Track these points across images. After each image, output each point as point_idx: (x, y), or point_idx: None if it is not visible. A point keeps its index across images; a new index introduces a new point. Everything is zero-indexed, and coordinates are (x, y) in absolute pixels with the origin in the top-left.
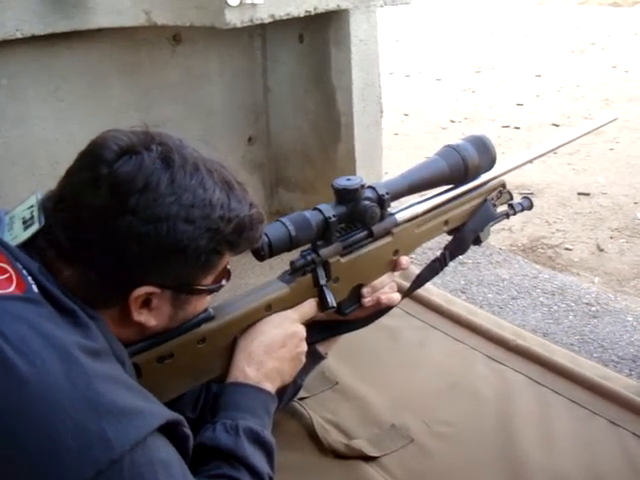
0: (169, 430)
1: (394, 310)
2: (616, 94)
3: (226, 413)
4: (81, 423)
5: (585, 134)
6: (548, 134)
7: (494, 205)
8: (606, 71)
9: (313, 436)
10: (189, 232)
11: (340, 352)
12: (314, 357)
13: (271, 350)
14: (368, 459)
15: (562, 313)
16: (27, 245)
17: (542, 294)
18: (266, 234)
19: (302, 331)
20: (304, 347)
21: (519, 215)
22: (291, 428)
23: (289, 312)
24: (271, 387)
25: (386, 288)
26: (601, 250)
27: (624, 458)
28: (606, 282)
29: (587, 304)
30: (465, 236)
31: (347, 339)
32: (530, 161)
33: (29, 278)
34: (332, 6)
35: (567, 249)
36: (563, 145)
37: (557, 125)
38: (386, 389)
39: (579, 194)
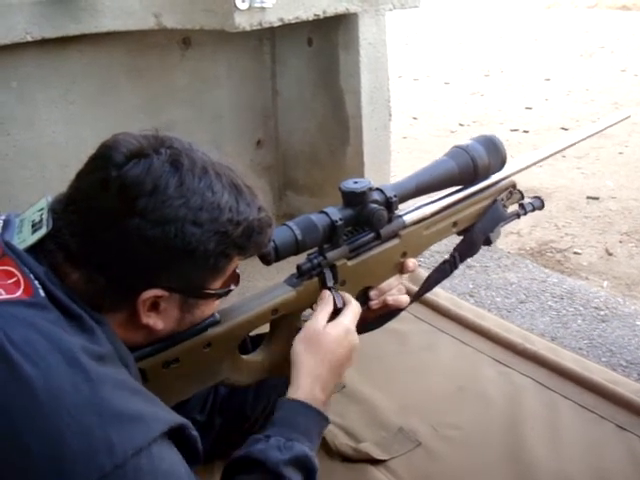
0: (175, 434)
1: (402, 314)
2: (625, 98)
3: (281, 430)
4: (86, 427)
5: (595, 133)
6: (556, 137)
7: (504, 206)
8: (615, 75)
9: (321, 439)
10: (197, 235)
11: None
12: None
13: (338, 370)
14: (376, 462)
15: (571, 317)
16: (35, 248)
17: (551, 298)
18: (272, 238)
19: (357, 339)
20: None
21: (528, 219)
22: None
23: (348, 319)
24: (327, 402)
25: (394, 290)
26: (610, 254)
27: (631, 462)
28: (615, 286)
29: (596, 308)
30: (475, 237)
31: None
32: (541, 161)
33: (36, 282)
34: (341, 10)
35: (576, 253)
36: (574, 144)
37: (566, 129)
38: (394, 392)
39: (588, 198)
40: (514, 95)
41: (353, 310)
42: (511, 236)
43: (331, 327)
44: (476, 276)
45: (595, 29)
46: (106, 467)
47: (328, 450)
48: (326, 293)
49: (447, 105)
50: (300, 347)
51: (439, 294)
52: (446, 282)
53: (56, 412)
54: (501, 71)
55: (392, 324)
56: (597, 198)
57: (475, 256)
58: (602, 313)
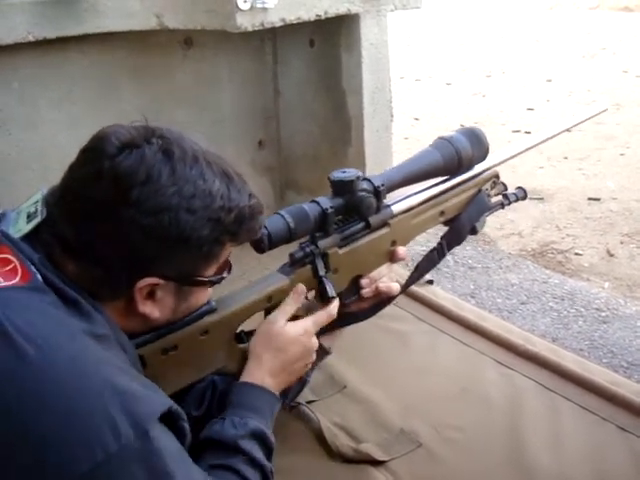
0: (170, 420)
1: (403, 314)
2: (627, 99)
3: (236, 411)
4: (91, 408)
5: (576, 124)
6: (558, 138)
7: (489, 196)
8: (617, 76)
9: (321, 440)
10: (191, 222)
11: (349, 356)
12: (319, 352)
13: (288, 367)
14: (376, 463)
15: (572, 318)
16: (30, 238)
17: (552, 299)
18: (265, 227)
19: (316, 344)
20: (314, 357)
21: (529, 220)
22: (299, 431)
23: (309, 325)
24: (279, 390)
25: (384, 278)
26: (611, 255)
27: (633, 464)
28: (616, 287)
29: (597, 309)
30: (461, 226)
31: (356, 342)
32: (524, 151)
33: (32, 268)
34: (343, 10)
35: (577, 254)
36: (554, 136)
37: (568, 130)
38: (395, 393)
39: (589, 199)
40: (516, 96)
41: (320, 316)
42: (512, 237)
43: (290, 326)
44: (477, 277)
45: (597, 30)
46: (111, 448)
47: (329, 451)
48: (299, 287)
49: (449, 106)
50: (256, 340)
51: (440, 295)
52: (447, 283)
53: (62, 393)
54: (503, 72)
55: (393, 324)
56: (598, 199)
57: (476, 257)
58: (603, 314)
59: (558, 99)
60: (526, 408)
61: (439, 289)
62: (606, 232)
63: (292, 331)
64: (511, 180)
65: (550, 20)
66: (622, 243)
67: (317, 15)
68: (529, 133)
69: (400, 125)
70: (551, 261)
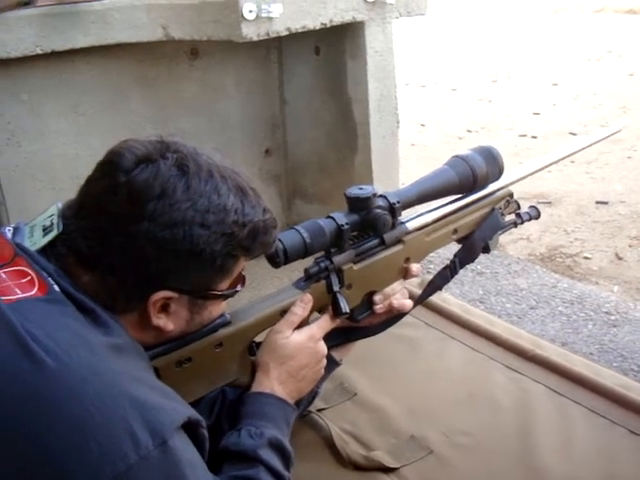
0: (190, 429)
1: (413, 321)
2: (633, 102)
3: (251, 421)
4: (109, 418)
5: (595, 142)
6: (565, 143)
7: (502, 214)
8: (623, 79)
9: (332, 447)
10: (205, 237)
11: (359, 363)
12: (329, 363)
13: (297, 374)
14: (387, 470)
15: (581, 322)
16: (45, 251)
17: (561, 303)
18: (281, 241)
19: (324, 349)
20: (324, 363)
21: (537, 224)
22: (310, 439)
23: (314, 331)
24: (292, 401)
25: (397, 295)
26: (620, 259)
27: None
28: (625, 291)
29: (606, 313)
30: (474, 244)
31: (366, 350)
32: (538, 171)
33: (49, 279)
34: (348, 18)
35: (586, 258)
36: (572, 154)
37: (574, 134)
38: (405, 400)
39: (597, 203)
40: (522, 101)
41: (325, 322)
42: (521, 242)
43: (295, 334)
44: (486, 282)
45: (602, 33)
46: (131, 458)
47: (339, 458)
48: (306, 297)
49: (455, 112)
50: (262, 350)
51: (449, 301)
52: (456, 289)
53: (81, 404)
54: (508, 77)
55: (402, 331)
56: (606, 203)
57: (485, 262)
58: (613, 318)
59: (564, 103)
60: (536, 412)
61: (448, 295)
62: (614, 235)
63: (297, 339)
64: (518, 184)
65: (555, 24)
66: (631, 246)
67: (322, 24)
68: (535, 138)
69: (406, 131)
70: (560, 265)
